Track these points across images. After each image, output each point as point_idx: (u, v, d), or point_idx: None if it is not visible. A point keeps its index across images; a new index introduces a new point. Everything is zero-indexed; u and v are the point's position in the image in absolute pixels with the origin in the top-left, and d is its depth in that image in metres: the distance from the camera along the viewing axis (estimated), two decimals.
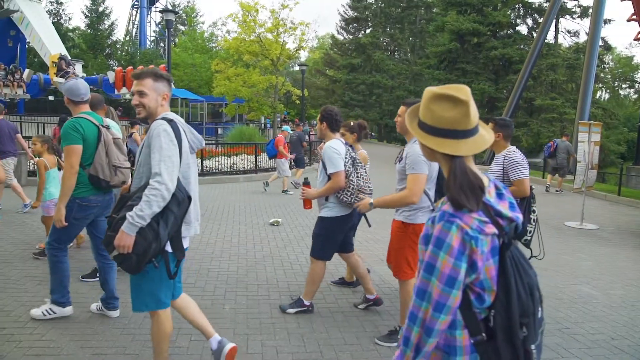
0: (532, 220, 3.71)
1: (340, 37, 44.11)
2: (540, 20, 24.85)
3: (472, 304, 1.44)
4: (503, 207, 1.45)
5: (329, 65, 43.90)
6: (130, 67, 20.90)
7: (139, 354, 3.18)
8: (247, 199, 10.02)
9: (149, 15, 52.61)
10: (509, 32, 25.86)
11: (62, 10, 41.86)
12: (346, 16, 42.85)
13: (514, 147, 3.82)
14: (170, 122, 2.57)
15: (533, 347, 1.45)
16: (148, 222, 2.39)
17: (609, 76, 30.35)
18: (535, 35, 24.65)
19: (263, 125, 31.88)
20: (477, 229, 1.37)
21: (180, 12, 48.78)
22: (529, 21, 26.92)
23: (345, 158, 3.69)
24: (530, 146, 24.03)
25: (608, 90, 45.91)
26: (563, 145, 13.00)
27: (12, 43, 25.45)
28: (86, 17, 42.44)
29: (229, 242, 6.25)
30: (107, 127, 3.65)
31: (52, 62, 19.96)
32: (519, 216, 1.48)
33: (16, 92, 20.33)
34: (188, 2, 52.66)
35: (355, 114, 39.42)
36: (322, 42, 54.38)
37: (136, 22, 51.66)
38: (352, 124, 4.62)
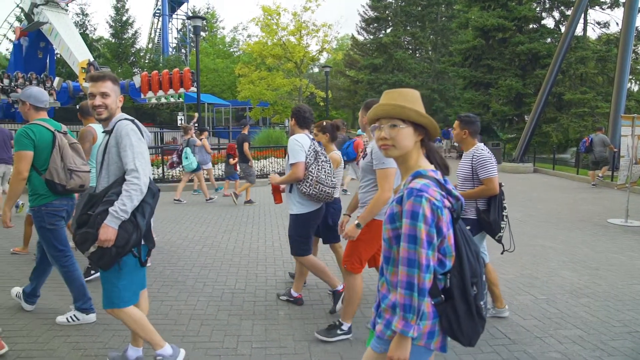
0: (504, 217, 3.75)
1: (361, 38, 43.86)
2: (568, 12, 24.26)
3: (435, 269, 1.67)
4: (450, 188, 1.74)
5: (350, 66, 43.72)
6: (155, 72, 21.15)
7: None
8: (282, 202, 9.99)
9: (170, 23, 53.38)
10: (535, 26, 25.32)
11: (88, 21, 42.79)
12: (366, 16, 42.63)
13: (482, 145, 3.80)
14: (133, 121, 2.75)
15: (482, 303, 1.74)
16: (129, 215, 2.55)
17: (639, 67, 29.28)
18: (562, 28, 24.12)
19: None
20: (440, 200, 1.64)
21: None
22: (556, 14, 26.26)
23: (308, 151, 3.85)
24: (560, 142, 23.46)
25: (638, 82, 44.56)
26: (597, 139, 12.83)
27: (42, 54, 26.22)
28: (110, 27, 43.26)
29: (271, 247, 6.23)
30: (65, 133, 3.70)
31: (82, 68, 20.45)
32: (461, 196, 1.78)
33: None
34: (208, 9, 53.27)
35: None
36: (341, 43, 54.29)
37: (158, 30, 52.50)
38: (324, 124, 4.68)
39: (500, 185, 3.72)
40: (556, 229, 7.59)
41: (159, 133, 21.68)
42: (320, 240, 4.66)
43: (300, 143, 3.84)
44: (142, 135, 2.75)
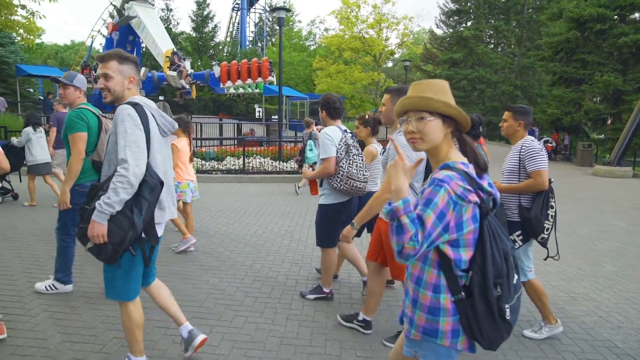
0: (549, 217, 3.36)
1: (440, 32, 42.42)
2: None
3: (453, 266, 1.62)
4: (484, 183, 1.66)
5: (427, 60, 42.52)
6: (234, 62, 21.55)
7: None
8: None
9: (248, 17, 54.60)
10: None
11: (172, 15, 44.81)
12: (446, 9, 41.17)
13: (532, 137, 3.49)
14: (136, 105, 2.47)
15: (507, 306, 1.63)
16: (118, 209, 2.32)
17: None
18: None
19: None
20: (460, 195, 1.57)
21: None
22: None
23: (339, 145, 3.74)
24: None
25: None
26: None
27: (130, 47, 27.72)
28: (192, 21, 45.03)
29: (359, 245, 5.93)
30: (105, 117, 3.86)
31: (166, 56, 21.29)
32: (496, 192, 1.69)
33: None
34: (285, 2, 53.90)
35: None
36: (416, 37, 52.94)
37: (236, 24, 53.89)
38: (366, 117, 4.46)
39: (550, 181, 3.35)
40: None
41: (236, 124, 22.08)
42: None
43: (331, 137, 3.74)
44: (147, 121, 2.47)
